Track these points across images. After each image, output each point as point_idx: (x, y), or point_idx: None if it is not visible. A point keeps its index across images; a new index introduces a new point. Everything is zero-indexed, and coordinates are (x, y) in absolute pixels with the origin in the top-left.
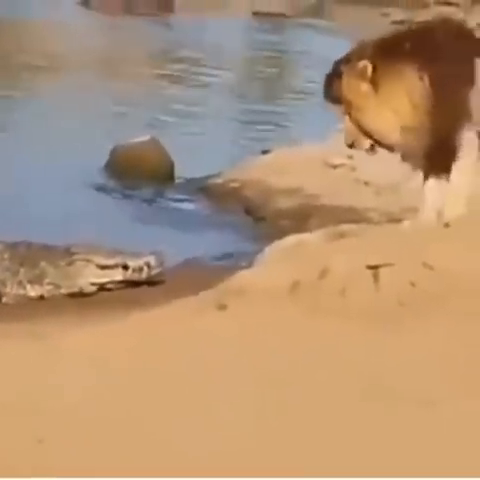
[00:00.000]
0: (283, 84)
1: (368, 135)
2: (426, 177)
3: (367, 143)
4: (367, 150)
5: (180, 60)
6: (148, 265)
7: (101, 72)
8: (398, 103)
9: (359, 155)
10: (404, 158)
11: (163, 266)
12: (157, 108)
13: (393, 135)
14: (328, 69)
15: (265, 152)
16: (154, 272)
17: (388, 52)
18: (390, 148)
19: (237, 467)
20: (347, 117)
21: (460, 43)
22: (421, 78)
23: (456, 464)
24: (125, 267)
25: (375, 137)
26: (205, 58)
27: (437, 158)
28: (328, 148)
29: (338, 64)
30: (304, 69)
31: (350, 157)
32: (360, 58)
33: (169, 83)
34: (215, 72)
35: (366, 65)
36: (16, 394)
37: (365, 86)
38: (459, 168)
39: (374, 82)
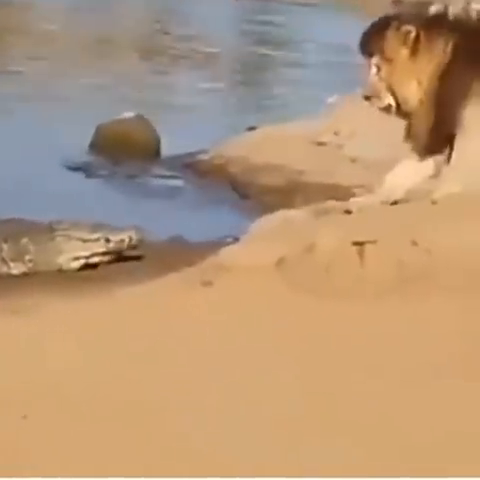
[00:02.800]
0: (272, 60)
1: (392, 94)
2: (421, 155)
3: (386, 101)
4: (382, 108)
5: (170, 36)
6: (130, 238)
7: (90, 49)
8: (424, 76)
9: (345, 132)
10: (407, 136)
11: (144, 240)
12: (143, 84)
13: (411, 103)
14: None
15: (251, 129)
16: (135, 243)
17: (431, 27)
18: (404, 116)
19: (222, 447)
20: (375, 70)
21: None
22: (448, 59)
23: (447, 445)
24: (107, 240)
25: (397, 99)
26: (196, 34)
27: (434, 138)
28: (314, 125)
29: (386, 19)
30: (296, 45)
31: (336, 134)
32: (407, 22)
33: (156, 59)
34: (205, 48)
35: (410, 31)
36: (0, 370)
37: (405, 50)
38: (459, 148)
39: (413, 49)
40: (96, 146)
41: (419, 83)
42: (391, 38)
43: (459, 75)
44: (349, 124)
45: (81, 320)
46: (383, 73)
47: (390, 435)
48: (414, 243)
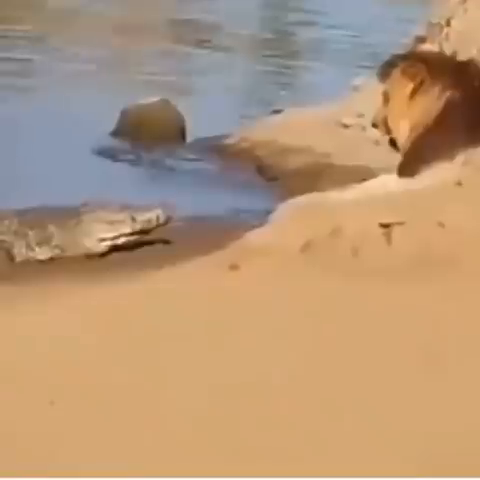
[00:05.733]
0: (296, 43)
1: (386, 129)
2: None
3: (387, 133)
4: (388, 141)
5: (191, 22)
6: (157, 217)
7: (114, 35)
8: (416, 119)
9: (370, 115)
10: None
11: (172, 219)
12: (170, 69)
13: (400, 143)
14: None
15: (276, 112)
16: (162, 222)
17: (437, 71)
18: (396, 149)
19: (243, 437)
20: (382, 101)
21: None
22: (441, 104)
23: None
24: (133, 219)
25: (390, 134)
26: (219, 20)
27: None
28: (339, 108)
29: (399, 57)
30: (321, 29)
31: (361, 116)
32: (418, 63)
33: (181, 44)
34: (230, 32)
35: (418, 73)
36: (29, 355)
37: (409, 89)
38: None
39: (415, 90)
40: (121, 131)
41: (411, 128)
42: (397, 75)
43: (444, 131)
44: (374, 106)
45: (109, 303)
46: (386, 106)
47: (415, 409)
48: (441, 224)
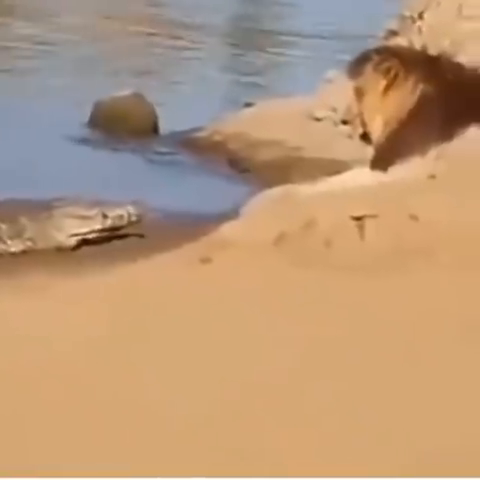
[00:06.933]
0: (269, 35)
1: (362, 124)
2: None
3: (359, 129)
4: (359, 136)
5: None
6: (128, 213)
7: (90, 27)
8: (391, 114)
9: (343, 108)
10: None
11: (143, 215)
12: (142, 62)
13: (374, 138)
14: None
15: (248, 105)
16: (134, 219)
17: (410, 65)
18: (367, 143)
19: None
20: (354, 96)
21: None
22: (413, 104)
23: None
24: (105, 216)
25: (366, 129)
26: (193, 12)
27: (383, 160)
28: (311, 101)
29: (370, 51)
30: (291, 20)
31: (334, 110)
32: (392, 57)
33: (153, 36)
34: (203, 24)
35: (392, 67)
36: (2, 348)
37: (382, 85)
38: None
39: (389, 85)
40: (94, 123)
41: (385, 123)
42: (370, 70)
43: (417, 125)
44: (346, 100)
45: (82, 296)
46: (360, 102)
47: (387, 407)
48: (414, 217)
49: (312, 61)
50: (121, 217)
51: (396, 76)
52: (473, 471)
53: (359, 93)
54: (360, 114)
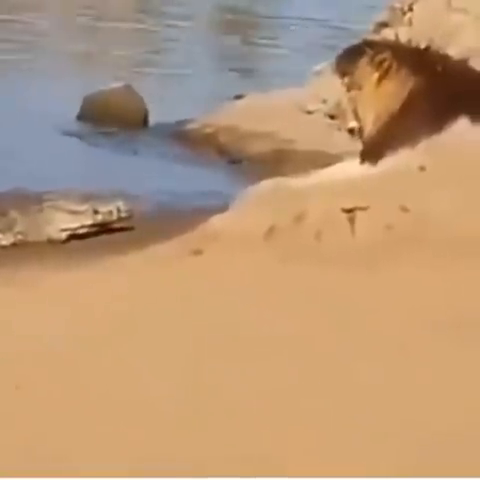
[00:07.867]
0: (260, 27)
1: (356, 118)
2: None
3: (350, 123)
4: (347, 130)
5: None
6: (118, 209)
7: (79, 13)
8: (383, 106)
9: (332, 101)
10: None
11: (133, 210)
12: (129, 53)
13: (366, 132)
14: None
15: (239, 97)
16: (124, 215)
17: (401, 58)
18: (355, 136)
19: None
20: (344, 90)
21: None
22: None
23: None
24: (95, 212)
25: (360, 123)
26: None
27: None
28: (302, 93)
29: (363, 45)
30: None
31: (325, 102)
32: (385, 50)
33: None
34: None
35: (385, 60)
36: None
37: (375, 77)
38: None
39: (382, 78)
40: (84, 115)
41: (376, 114)
42: (364, 63)
43: (408, 118)
44: (336, 92)
45: (74, 289)
46: (352, 96)
47: (379, 398)
48: (404, 209)
49: (303, 51)
50: (111, 213)
51: (389, 68)
52: (466, 467)
53: (352, 87)
54: (353, 108)
